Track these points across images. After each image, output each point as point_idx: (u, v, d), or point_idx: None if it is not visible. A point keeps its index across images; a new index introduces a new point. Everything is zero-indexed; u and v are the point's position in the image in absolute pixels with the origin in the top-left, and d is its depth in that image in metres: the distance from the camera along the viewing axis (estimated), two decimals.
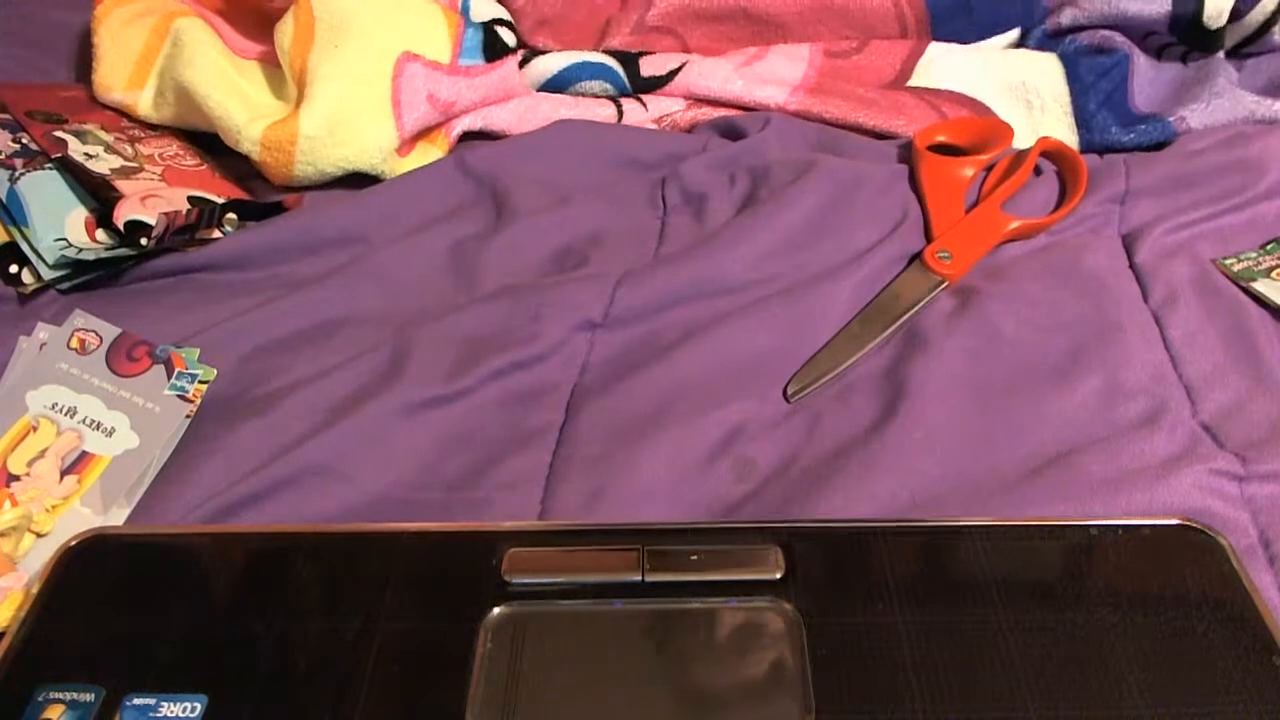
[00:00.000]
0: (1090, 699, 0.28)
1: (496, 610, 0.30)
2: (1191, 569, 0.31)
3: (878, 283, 0.45)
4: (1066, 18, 0.59)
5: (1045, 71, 0.57)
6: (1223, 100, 0.53)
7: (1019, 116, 0.56)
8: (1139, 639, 0.29)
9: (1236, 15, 0.57)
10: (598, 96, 0.57)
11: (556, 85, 0.57)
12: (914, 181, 0.51)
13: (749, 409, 0.39)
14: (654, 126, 0.56)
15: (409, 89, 0.50)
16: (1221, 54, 0.58)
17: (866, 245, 0.47)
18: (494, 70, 0.53)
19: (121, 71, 0.53)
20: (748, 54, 0.58)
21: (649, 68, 0.56)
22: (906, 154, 0.53)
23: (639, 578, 0.31)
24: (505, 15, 0.56)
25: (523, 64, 0.56)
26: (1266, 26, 0.57)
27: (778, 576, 0.31)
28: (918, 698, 0.28)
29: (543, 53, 0.57)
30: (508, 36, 0.55)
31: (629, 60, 0.56)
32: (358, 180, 0.51)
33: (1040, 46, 0.60)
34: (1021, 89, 0.57)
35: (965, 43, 0.60)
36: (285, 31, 0.51)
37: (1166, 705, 0.27)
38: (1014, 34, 0.60)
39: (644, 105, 0.56)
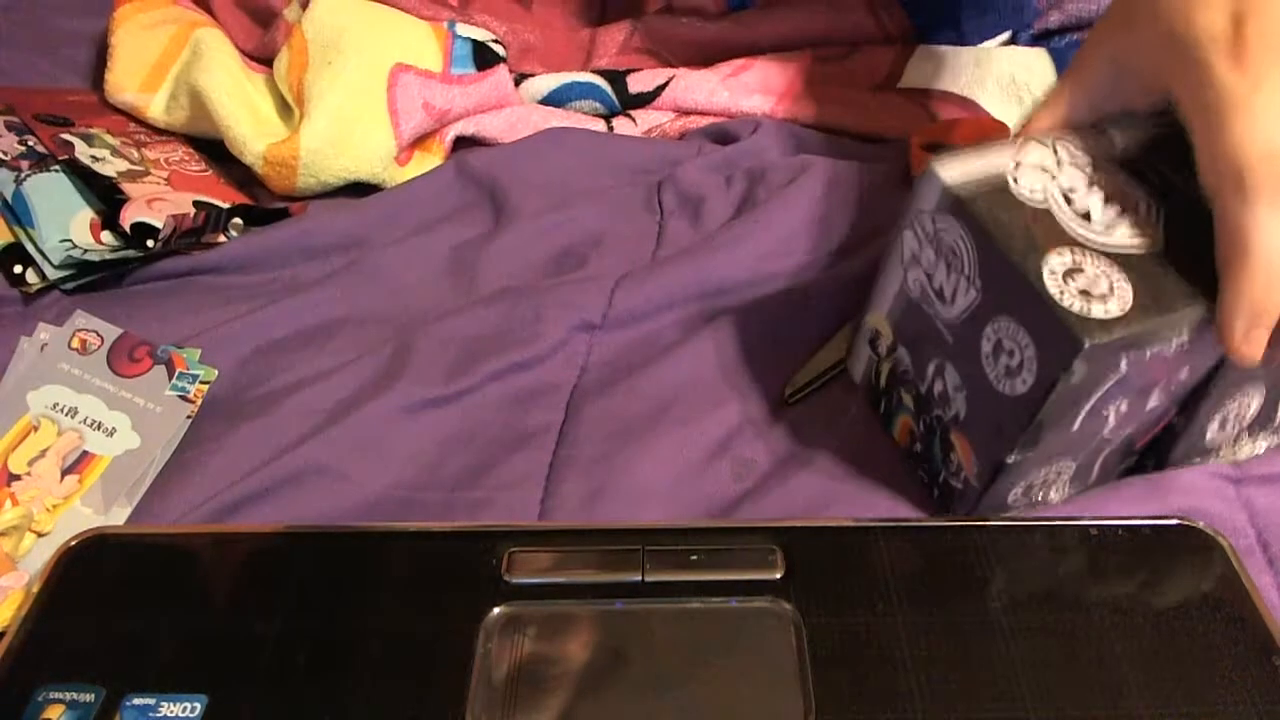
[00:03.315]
0: (1090, 699, 0.28)
1: (496, 610, 0.30)
2: (1191, 569, 0.31)
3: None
4: (1054, 22, 0.58)
5: (1035, 67, 0.57)
6: None
7: (1011, 113, 0.55)
8: (1139, 639, 0.29)
9: None
10: (587, 115, 0.57)
11: (547, 106, 0.57)
12: (910, 182, 0.51)
13: (747, 409, 0.39)
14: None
15: (404, 97, 0.51)
16: None
17: (863, 245, 0.46)
18: (486, 78, 0.54)
19: (136, 74, 0.54)
20: (734, 65, 0.58)
21: (636, 84, 0.56)
22: (903, 155, 0.53)
23: (639, 578, 0.31)
24: (491, 36, 0.57)
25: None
26: None
27: (778, 576, 0.31)
28: (917, 698, 0.28)
29: (531, 75, 0.57)
30: (497, 48, 0.55)
31: (616, 78, 0.56)
32: (359, 190, 0.51)
33: (1030, 45, 0.60)
34: (1012, 85, 0.56)
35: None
36: (282, 59, 0.53)
37: (1166, 705, 0.27)
38: (1004, 36, 0.60)
39: (634, 121, 0.56)
